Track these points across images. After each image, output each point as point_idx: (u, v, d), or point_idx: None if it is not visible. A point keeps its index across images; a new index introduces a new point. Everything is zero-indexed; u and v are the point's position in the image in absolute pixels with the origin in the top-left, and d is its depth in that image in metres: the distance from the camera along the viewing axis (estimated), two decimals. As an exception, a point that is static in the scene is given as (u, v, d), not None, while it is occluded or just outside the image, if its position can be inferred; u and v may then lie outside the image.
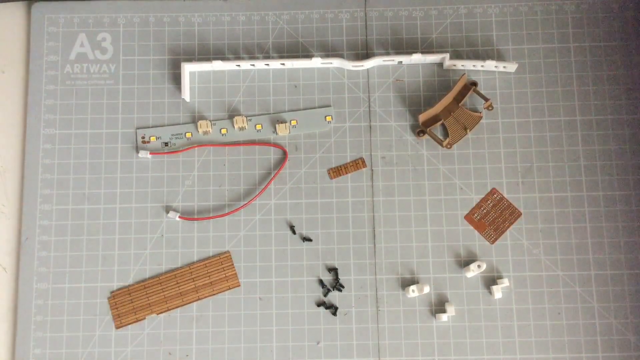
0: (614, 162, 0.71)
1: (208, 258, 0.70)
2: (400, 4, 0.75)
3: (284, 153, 0.72)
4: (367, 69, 0.74)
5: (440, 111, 0.72)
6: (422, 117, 0.71)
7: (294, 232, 0.70)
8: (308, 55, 0.74)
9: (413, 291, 0.68)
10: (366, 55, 0.74)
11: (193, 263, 0.70)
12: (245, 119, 0.72)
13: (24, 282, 0.70)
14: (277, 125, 0.72)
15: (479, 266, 0.69)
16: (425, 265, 0.70)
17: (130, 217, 0.71)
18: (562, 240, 0.70)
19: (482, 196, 0.71)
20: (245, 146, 0.73)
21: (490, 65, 0.72)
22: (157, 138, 0.73)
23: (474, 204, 0.71)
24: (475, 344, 0.68)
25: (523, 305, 0.69)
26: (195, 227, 0.71)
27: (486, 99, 0.72)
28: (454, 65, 0.73)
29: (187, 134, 0.73)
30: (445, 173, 0.71)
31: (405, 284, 0.69)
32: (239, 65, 0.73)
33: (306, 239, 0.70)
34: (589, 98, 0.73)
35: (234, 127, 0.72)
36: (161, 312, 0.69)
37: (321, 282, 0.70)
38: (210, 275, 0.70)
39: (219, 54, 0.74)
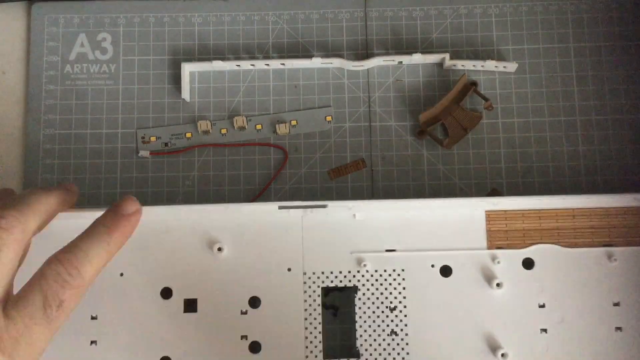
0: (614, 162, 0.71)
1: (208, 258, 0.70)
2: (400, 4, 0.75)
3: (284, 153, 0.72)
4: (367, 69, 0.74)
5: (440, 111, 0.72)
6: (422, 117, 0.71)
7: (294, 232, 0.70)
8: (308, 56, 0.74)
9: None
10: (366, 55, 0.74)
11: (193, 263, 0.70)
12: (245, 119, 0.72)
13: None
14: (277, 125, 0.72)
15: (479, 266, 0.69)
16: (425, 265, 0.70)
17: (130, 217, 0.71)
18: (562, 240, 0.70)
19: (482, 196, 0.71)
20: (245, 146, 0.73)
21: (490, 65, 0.72)
22: (157, 138, 0.73)
23: (474, 204, 0.71)
24: (475, 344, 0.68)
25: (523, 305, 0.69)
26: (195, 227, 0.71)
27: (486, 99, 0.72)
28: (454, 65, 0.73)
29: (187, 134, 0.73)
30: (445, 173, 0.71)
31: (405, 284, 0.69)
32: (239, 65, 0.73)
33: (306, 239, 0.70)
34: (589, 98, 0.73)
35: (234, 127, 0.72)
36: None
37: (321, 282, 0.69)
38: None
39: (219, 54, 0.74)
